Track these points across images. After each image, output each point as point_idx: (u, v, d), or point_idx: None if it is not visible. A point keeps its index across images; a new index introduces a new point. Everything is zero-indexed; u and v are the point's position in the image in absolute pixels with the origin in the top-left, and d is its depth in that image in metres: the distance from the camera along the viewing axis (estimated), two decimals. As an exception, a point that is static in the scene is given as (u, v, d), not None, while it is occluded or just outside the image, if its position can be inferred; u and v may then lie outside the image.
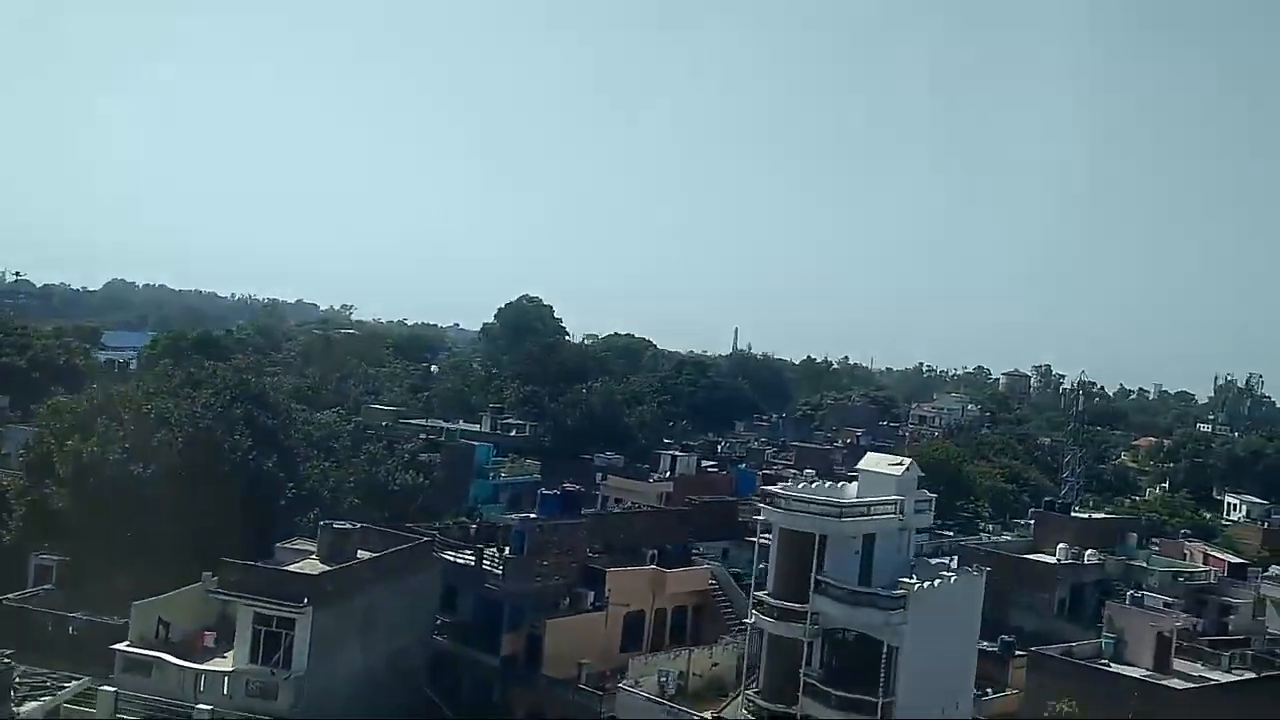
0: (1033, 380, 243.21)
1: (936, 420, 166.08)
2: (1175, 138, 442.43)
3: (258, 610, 37.03)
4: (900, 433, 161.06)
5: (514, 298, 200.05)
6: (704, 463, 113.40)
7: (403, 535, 45.07)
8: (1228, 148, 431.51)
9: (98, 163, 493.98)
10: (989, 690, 55.44)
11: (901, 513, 39.00)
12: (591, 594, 45.83)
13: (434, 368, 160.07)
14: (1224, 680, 53.73)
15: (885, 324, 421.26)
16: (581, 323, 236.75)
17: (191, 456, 46.65)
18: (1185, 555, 78.33)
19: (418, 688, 44.13)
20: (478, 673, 45.02)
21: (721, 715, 38.21)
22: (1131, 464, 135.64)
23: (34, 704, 29.96)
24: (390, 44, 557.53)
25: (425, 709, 44.05)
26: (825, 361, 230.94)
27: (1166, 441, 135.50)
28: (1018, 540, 75.50)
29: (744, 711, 37.64)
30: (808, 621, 36.37)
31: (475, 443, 74.52)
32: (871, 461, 40.88)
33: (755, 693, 37.86)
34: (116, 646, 37.35)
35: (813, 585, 36.42)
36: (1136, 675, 51.77)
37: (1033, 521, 76.87)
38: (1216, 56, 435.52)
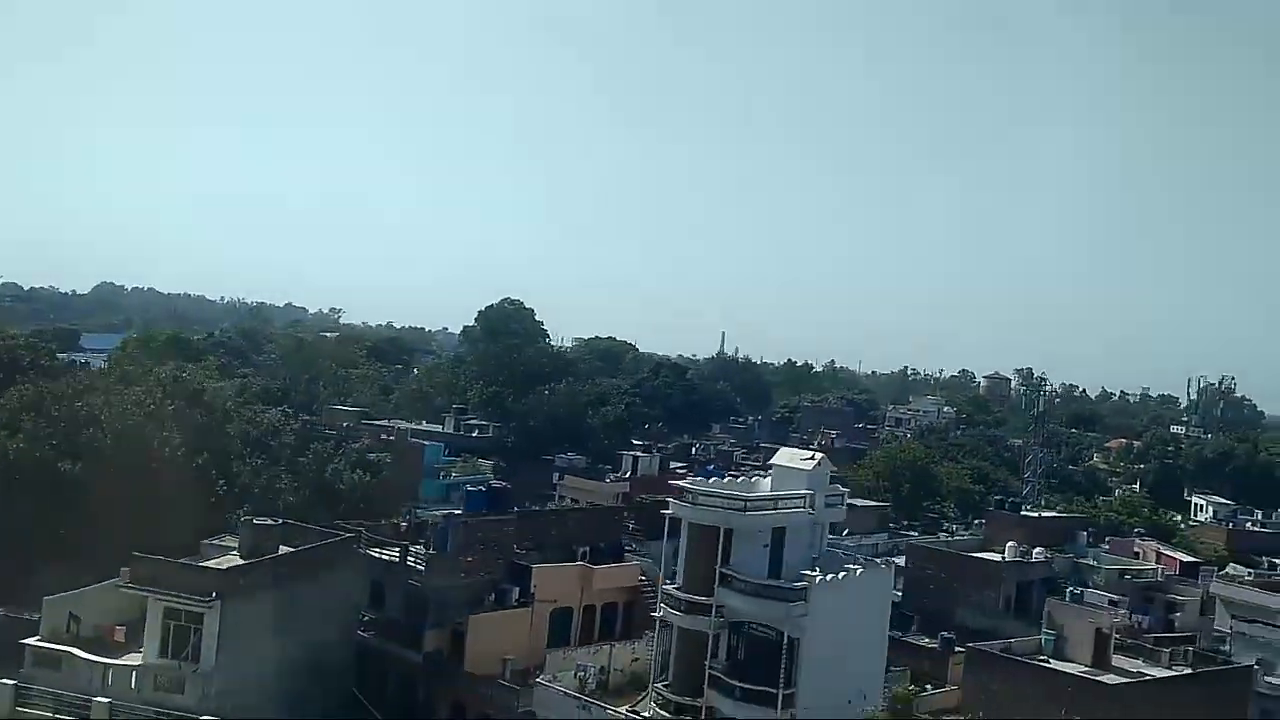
0: (1014, 383, 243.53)
1: (912, 422, 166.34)
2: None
3: (167, 605, 37.13)
4: (875, 434, 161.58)
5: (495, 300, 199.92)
6: (673, 464, 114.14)
7: (327, 532, 45.12)
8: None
9: (88, 166, 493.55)
10: (929, 686, 56.01)
11: (811, 507, 39.15)
12: (517, 590, 45.90)
13: (415, 370, 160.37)
14: (1159, 675, 54.06)
15: (874, 329, 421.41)
16: (575, 328, 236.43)
17: (120, 453, 46.76)
18: (1138, 554, 78.56)
19: (343, 684, 44.21)
20: (403, 669, 45.11)
21: (635, 709, 38.32)
22: (1103, 465, 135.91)
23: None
24: (385, 45, 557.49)
25: (351, 705, 44.13)
26: (806, 365, 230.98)
27: (1136, 443, 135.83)
28: (970, 539, 75.77)
29: (653, 705, 37.77)
30: (713, 614, 36.48)
31: (426, 442, 74.62)
32: (784, 457, 41.10)
33: (665, 686, 38.01)
34: (26, 641, 37.44)
35: (717, 578, 36.57)
36: (1073, 671, 52.07)
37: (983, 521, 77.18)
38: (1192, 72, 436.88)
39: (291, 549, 42.36)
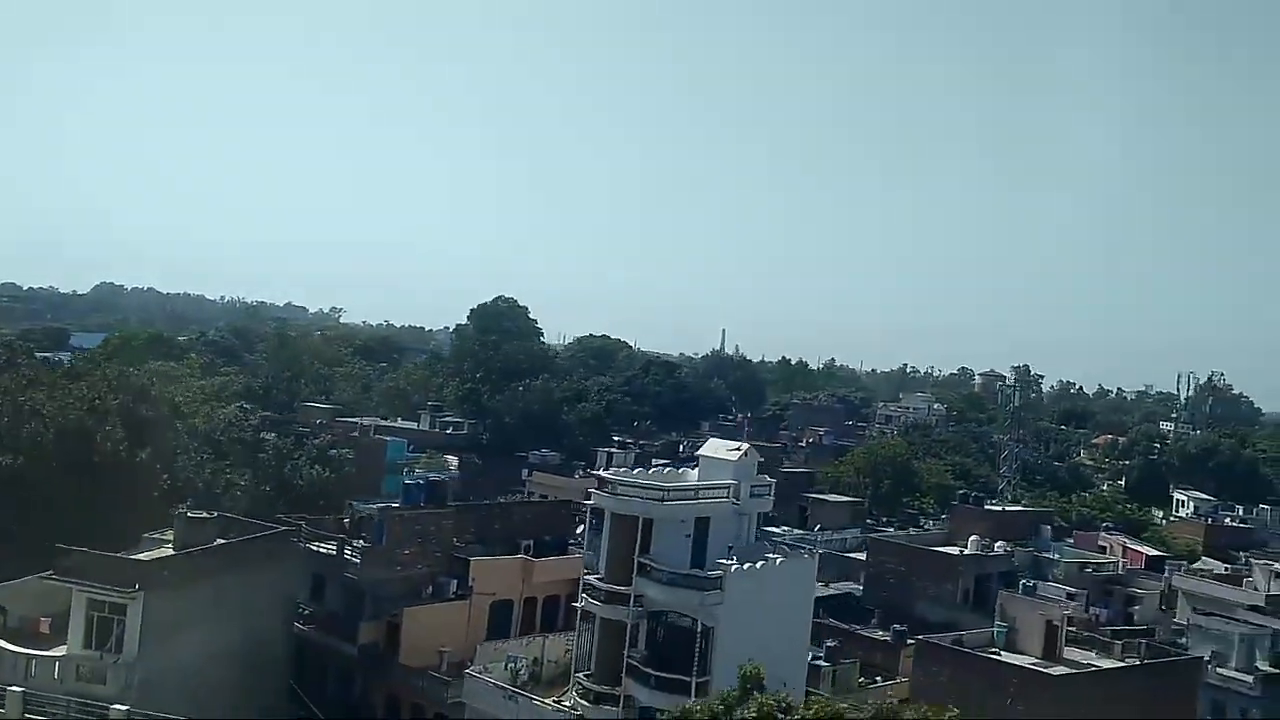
0: (1010, 380, 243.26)
1: (902, 419, 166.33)
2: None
3: (90, 596, 37.42)
4: (867, 432, 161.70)
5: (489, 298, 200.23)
6: (656, 461, 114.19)
7: (265, 526, 45.43)
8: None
9: (88, 165, 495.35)
10: (879, 678, 56.31)
11: (737, 497, 39.28)
12: (455, 583, 46.13)
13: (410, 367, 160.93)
14: (1105, 667, 54.17)
15: (877, 328, 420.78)
16: (579, 328, 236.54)
17: (62, 448, 47.09)
18: (1105, 548, 78.54)
19: (280, 677, 44.45)
20: (340, 662, 45.39)
21: (560, 700, 38.51)
22: (1089, 462, 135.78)
23: None
24: (380, 45, 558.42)
25: (288, 698, 44.41)
26: (801, 363, 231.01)
27: (1121, 439, 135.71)
28: (935, 533, 75.84)
29: (574, 695, 37.97)
30: (631, 604, 36.65)
31: (389, 438, 74.94)
32: (711, 448, 41.25)
33: (587, 676, 38.19)
34: (-50, 633, 37.77)
35: (635, 568, 36.74)
36: (1021, 663, 52.21)
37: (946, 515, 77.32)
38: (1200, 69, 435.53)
39: (225, 542, 42.64)
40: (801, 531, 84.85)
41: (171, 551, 42.03)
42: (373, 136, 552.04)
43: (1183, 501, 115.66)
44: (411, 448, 76.25)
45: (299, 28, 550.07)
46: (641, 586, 36.65)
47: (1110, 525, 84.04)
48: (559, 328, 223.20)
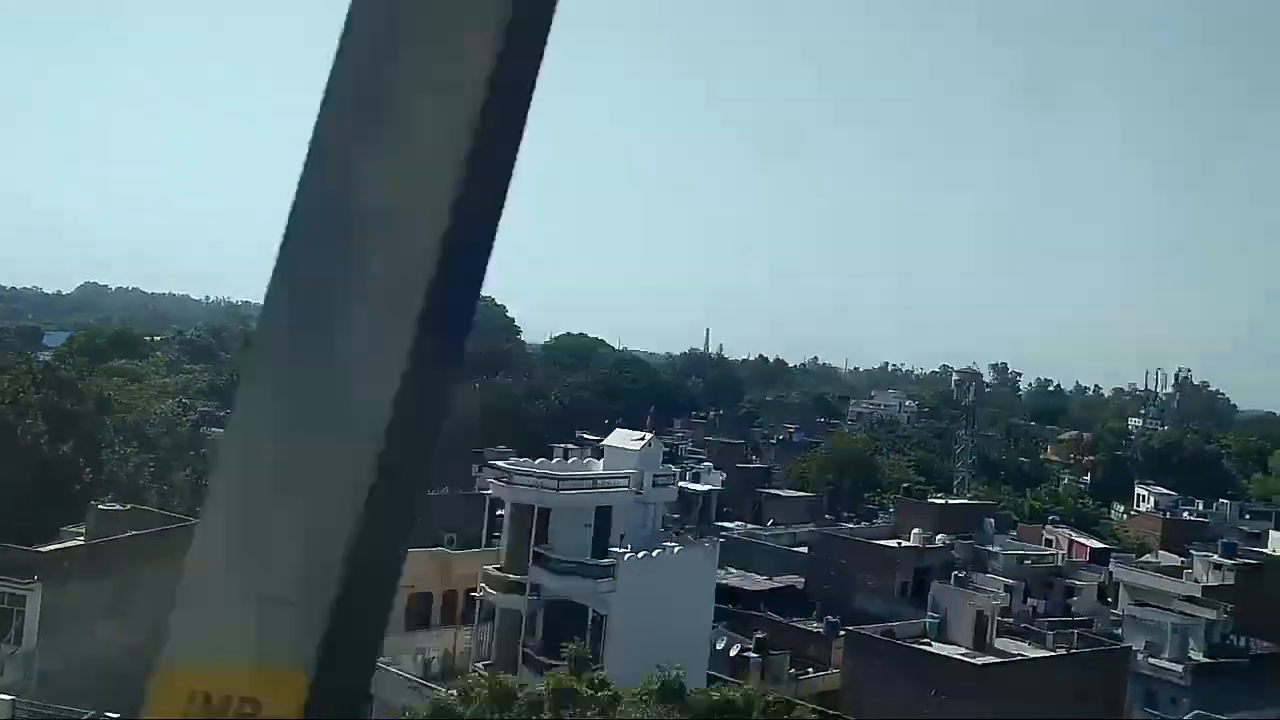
0: (988, 377, 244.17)
1: (873, 416, 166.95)
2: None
3: (-12, 587, 37.57)
4: (837, 429, 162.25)
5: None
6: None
7: (184, 519, 45.47)
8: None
9: (77, 164, 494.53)
10: (810, 669, 56.86)
11: (639, 487, 39.51)
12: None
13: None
14: (1033, 656, 54.76)
15: (863, 327, 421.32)
16: (565, 326, 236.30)
17: (-22, 440, 47.19)
18: (1050, 541, 78.96)
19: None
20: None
21: (453, 690, 38.65)
22: (1055, 458, 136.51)
23: None
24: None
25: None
26: (778, 360, 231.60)
27: (1087, 435, 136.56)
28: (880, 526, 76.31)
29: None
30: (527, 593, 36.87)
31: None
32: (616, 438, 41.59)
33: (485, 665, 38.38)
34: None
35: (530, 557, 36.96)
36: (949, 653, 52.74)
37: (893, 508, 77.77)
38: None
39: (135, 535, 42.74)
40: (754, 526, 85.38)
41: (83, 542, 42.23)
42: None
43: (1144, 496, 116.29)
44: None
45: (296, 25, 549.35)
46: (537, 576, 36.88)
47: (1058, 519, 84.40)
48: (550, 328, 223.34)
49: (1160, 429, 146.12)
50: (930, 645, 54.48)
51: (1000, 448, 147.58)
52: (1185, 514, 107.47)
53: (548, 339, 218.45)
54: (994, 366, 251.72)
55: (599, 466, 40.79)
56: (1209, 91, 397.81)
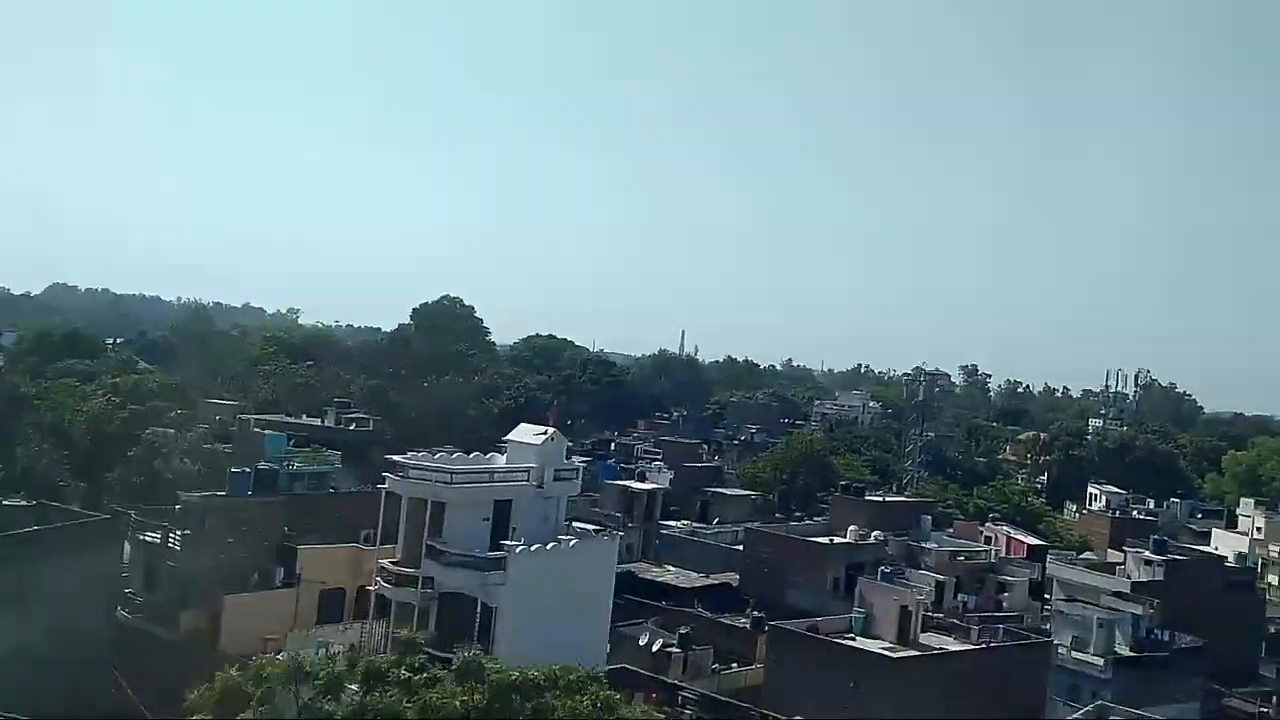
0: (957, 379, 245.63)
1: (835, 417, 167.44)
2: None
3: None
4: (800, 429, 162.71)
5: (434, 297, 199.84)
6: (576, 458, 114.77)
7: (86, 514, 45.43)
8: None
9: (48, 163, 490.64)
10: (735, 664, 57.03)
11: (540, 481, 39.55)
12: (281, 571, 46.19)
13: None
14: (952, 649, 54.88)
15: (839, 330, 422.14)
16: (537, 327, 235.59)
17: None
18: (991, 538, 79.25)
19: (102, 664, 44.39)
20: (161, 650, 45.31)
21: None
22: (1012, 457, 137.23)
23: None
24: (345, 48, 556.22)
25: (109, 685, 44.33)
26: (747, 362, 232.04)
27: (1044, 435, 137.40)
28: (816, 524, 76.52)
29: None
30: (419, 586, 36.88)
31: (267, 432, 74.82)
32: (519, 433, 41.56)
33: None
34: None
35: (424, 550, 36.97)
36: (871, 647, 52.86)
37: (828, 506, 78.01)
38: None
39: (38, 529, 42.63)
40: (699, 525, 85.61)
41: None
42: (352, 141, 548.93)
43: (1096, 495, 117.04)
44: (293, 442, 76.05)
45: (267, 35, 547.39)
46: (429, 569, 36.88)
47: (999, 516, 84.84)
48: (526, 330, 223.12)
49: (1120, 429, 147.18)
50: (855, 640, 54.57)
51: (960, 447, 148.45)
52: (1135, 513, 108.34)
53: (509, 339, 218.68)
54: (964, 368, 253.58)
55: (501, 461, 40.84)
56: (1192, 91, 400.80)
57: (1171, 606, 65.59)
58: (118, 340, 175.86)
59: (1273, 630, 74.52)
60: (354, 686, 23.21)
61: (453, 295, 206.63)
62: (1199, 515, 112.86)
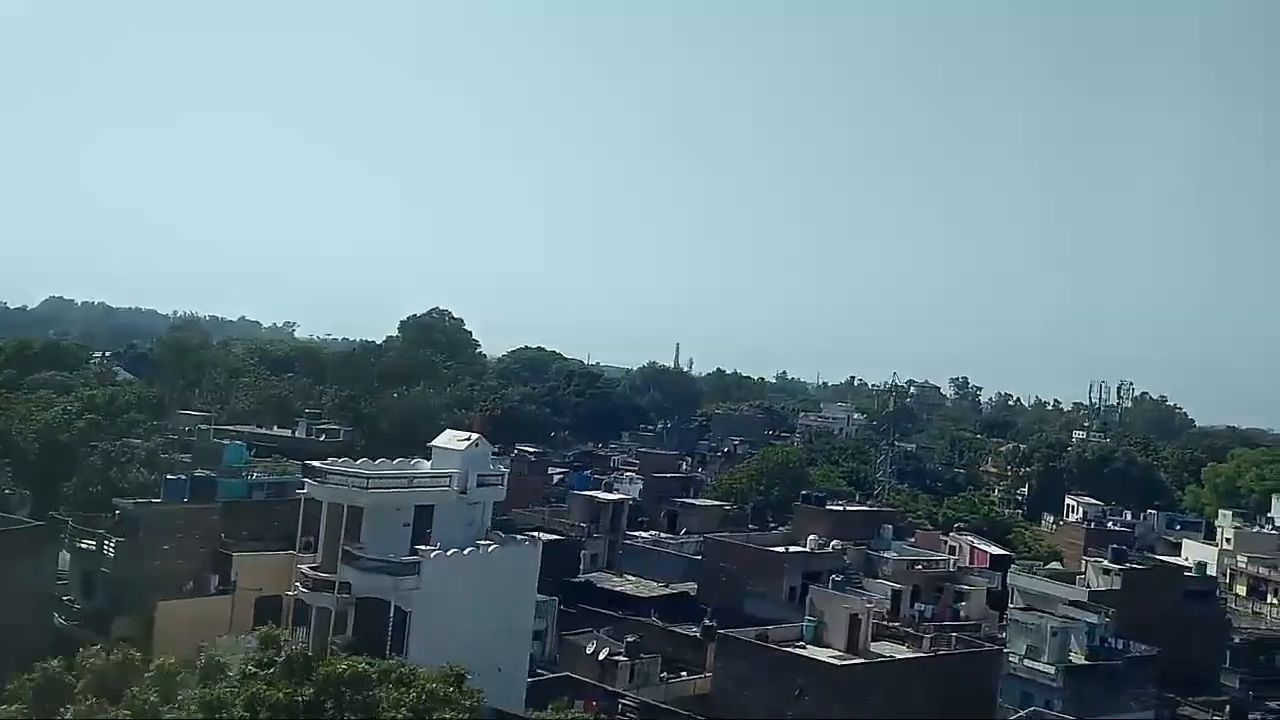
0: (947, 392, 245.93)
1: (819, 428, 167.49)
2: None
3: None
4: (788, 440, 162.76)
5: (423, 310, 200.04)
6: (551, 469, 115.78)
7: (17, 521, 45.56)
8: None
9: (46, 179, 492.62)
10: (684, 672, 56.97)
11: (463, 487, 39.60)
12: (216, 578, 46.20)
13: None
14: (898, 657, 54.74)
15: (831, 341, 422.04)
16: (533, 340, 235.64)
17: None
18: (955, 548, 79.15)
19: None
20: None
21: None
22: (993, 469, 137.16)
23: None
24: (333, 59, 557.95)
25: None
26: (736, 374, 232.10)
27: (1022, 447, 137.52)
28: (778, 533, 76.47)
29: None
30: (336, 590, 36.90)
31: (226, 442, 74.95)
32: (444, 439, 41.64)
33: (301, 664, 38.27)
34: None
35: (340, 555, 37.00)
36: (819, 656, 52.72)
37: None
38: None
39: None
40: (666, 535, 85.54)
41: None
42: (339, 148, 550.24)
43: (1073, 506, 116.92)
44: (254, 451, 76.14)
45: (258, 50, 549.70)
46: (345, 574, 36.90)
47: (964, 526, 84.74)
48: (522, 343, 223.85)
49: (1103, 441, 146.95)
50: (805, 648, 54.43)
51: (943, 458, 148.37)
52: (1111, 524, 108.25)
53: (503, 353, 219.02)
54: (954, 381, 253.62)
55: (427, 467, 40.90)
56: (1208, 98, 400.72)
57: (1129, 615, 65.60)
58: (106, 353, 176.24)
59: (1237, 640, 74.42)
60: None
61: (442, 308, 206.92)
62: (1177, 527, 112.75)
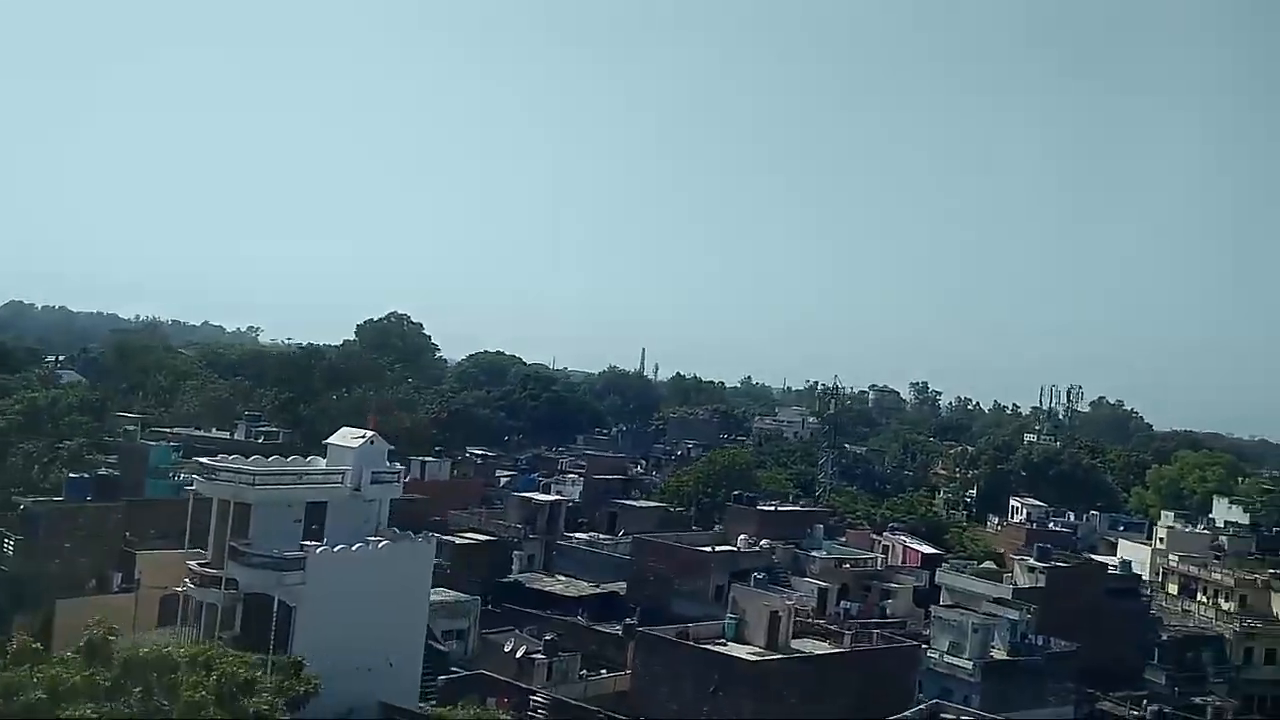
0: (907, 396, 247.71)
1: (771, 431, 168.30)
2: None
3: None
4: (743, 444, 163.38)
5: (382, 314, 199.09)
6: (500, 472, 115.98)
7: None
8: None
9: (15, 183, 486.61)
10: (604, 670, 57.12)
11: (357, 483, 39.54)
12: (120, 576, 45.85)
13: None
14: (814, 654, 55.12)
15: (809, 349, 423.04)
16: (501, 345, 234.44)
17: None
18: (888, 548, 79.78)
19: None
20: (-6, 656, 44.85)
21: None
22: (943, 471, 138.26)
23: None
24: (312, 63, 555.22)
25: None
26: (695, 379, 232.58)
27: (970, 449, 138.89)
28: (708, 533, 76.86)
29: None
30: (223, 586, 36.74)
31: (152, 444, 74.49)
32: (338, 436, 41.52)
33: (190, 660, 38.08)
34: None
35: (227, 551, 36.85)
36: (737, 653, 52.94)
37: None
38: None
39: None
40: (604, 536, 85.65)
41: None
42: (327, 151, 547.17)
43: (1018, 508, 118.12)
44: (180, 453, 75.68)
45: (235, 52, 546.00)
46: (232, 570, 36.75)
47: (898, 525, 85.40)
48: (490, 347, 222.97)
49: (1052, 444, 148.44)
50: (725, 645, 54.70)
51: (895, 461, 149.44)
52: (1053, 525, 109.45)
53: (463, 357, 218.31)
54: (914, 385, 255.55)
55: (321, 464, 40.78)
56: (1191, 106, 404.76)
57: (1052, 612, 66.25)
58: (59, 357, 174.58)
59: (1165, 637, 75.33)
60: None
61: (400, 312, 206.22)
62: (1120, 528, 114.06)
